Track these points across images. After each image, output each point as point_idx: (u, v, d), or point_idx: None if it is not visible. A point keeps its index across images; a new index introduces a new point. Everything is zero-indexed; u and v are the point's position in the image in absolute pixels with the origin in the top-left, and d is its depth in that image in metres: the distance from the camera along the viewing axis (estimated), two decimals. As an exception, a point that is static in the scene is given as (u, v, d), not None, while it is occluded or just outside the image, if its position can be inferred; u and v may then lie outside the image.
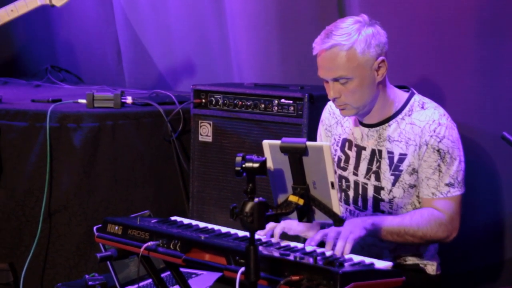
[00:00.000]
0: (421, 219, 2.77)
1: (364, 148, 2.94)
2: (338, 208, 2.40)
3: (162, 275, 3.09)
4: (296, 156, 2.40)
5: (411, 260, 2.93)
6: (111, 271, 3.46)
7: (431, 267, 2.96)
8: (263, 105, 3.74)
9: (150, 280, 3.44)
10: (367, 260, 2.47)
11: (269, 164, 2.44)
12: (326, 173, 2.38)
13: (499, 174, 3.37)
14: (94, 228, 3.02)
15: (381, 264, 2.45)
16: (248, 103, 3.78)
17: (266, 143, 2.46)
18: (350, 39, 2.74)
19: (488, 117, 3.35)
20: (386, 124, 2.89)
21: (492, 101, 3.34)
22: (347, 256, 2.50)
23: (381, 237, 2.75)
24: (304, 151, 2.38)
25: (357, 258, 2.49)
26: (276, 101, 3.69)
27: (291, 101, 3.63)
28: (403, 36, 3.54)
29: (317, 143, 2.66)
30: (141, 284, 3.48)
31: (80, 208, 3.88)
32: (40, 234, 3.86)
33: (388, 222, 2.74)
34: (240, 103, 3.81)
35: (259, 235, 2.74)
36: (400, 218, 2.78)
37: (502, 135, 2.67)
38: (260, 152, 2.44)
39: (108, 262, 3.38)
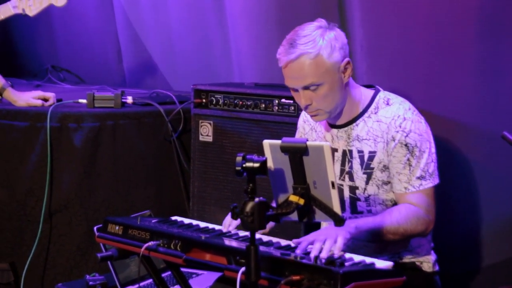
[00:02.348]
0: (400, 216, 2.77)
1: (336, 150, 2.95)
2: (338, 207, 2.40)
3: (163, 275, 3.09)
4: (297, 155, 2.40)
5: (407, 258, 2.94)
6: (112, 271, 3.46)
7: (427, 265, 2.96)
8: (263, 105, 3.74)
9: (150, 280, 3.44)
10: (368, 259, 2.47)
11: (270, 164, 2.44)
12: (326, 173, 2.38)
13: (499, 173, 3.37)
14: (95, 228, 3.03)
15: (382, 264, 2.45)
16: (249, 103, 3.79)
17: (266, 143, 2.47)
18: (316, 46, 2.75)
19: (489, 116, 3.35)
20: (354, 124, 2.91)
21: (493, 100, 3.34)
22: (347, 256, 2.50)
23: (365, 239, 2.76)
24: (304, 150, 2.38)
25: (357, 258, 2.49)
26: (277, 101, 3.70)
27: (292, 101, 3.63)
28: (404, 35, 3.55)
29: (318, 142, 2.65)
30: (141, 284, 3.48)
31: (80, 208, 3.88)
32: (41, 234, 3.86)
33: (370, 224, 2.74)
34: (240, 103, 3.81)
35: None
36: (380, 218, 2.78)
37: (502, 135, 2.67)
38: (261, 152, 2.45)
39: (108, 262, 3.38)
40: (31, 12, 4.02)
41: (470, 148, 3.41)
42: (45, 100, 4.04)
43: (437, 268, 3.00)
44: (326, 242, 2.52)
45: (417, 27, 3.52)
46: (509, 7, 3.25)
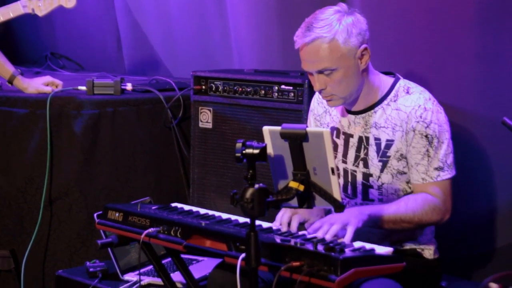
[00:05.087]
0: (415, 205, 2.77)
1: (352, 136, 2.94)
2: (338, 194, 2.40)
3: (163, 261, 3.10)
4: (297, 142, 2.40)
5: (408, 245, 2.94)
6: (112, 257, 3.47)
7: (428, 251, 2.96)
8: (263, 91, 3.73)
9: (151, 267, 3.45)
10: (368, 245, 2.48)
11: (269, 150, 2.44)
12: (326, 159, 2.38)
13: (500, 159, 3.37)
14: (95, 214, 3.03)
15: (382, 249, 2.46)
16: (248, 89, 3.78)
17: (266, 129, 2.47)
18: (331, 31, 2.73)
19: (488, 102, 3.35)
20: (372, 111, 2.89)
21: (493, 87, 3.34)
22: (347, 242, 2.51)
23: (378, 227, 2.75)
24: (304, 137, 2.38)
25: (357, 244, 2.49)
26: (276, 87, 3.69)
27: (291, 87, 3.63)
28: (403, 22, 3.54)
29: (317, 129, 2.66)
30: (142, 270, 3.49)
31: (81, 195, 3.88)
32: (41, 221, 3.86)
33: (385, 211, 2.73)
34: (240, 89, 3.81)
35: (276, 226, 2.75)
36: (396, 206, 2.77)
37: (502, 120, 2.66)
38: (261, 138, 2.45)
39: (109, 249, 3.39)
40: (41, 12, 4.03)
41: (469, 133, 3.41)
42: (55, 85, 4.04)
43: (437, 254, 3.00)
44: (333, 226, 2.53)
45: (416, 14, 3.51)
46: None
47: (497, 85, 3.32)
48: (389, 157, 2.86)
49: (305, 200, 2.44)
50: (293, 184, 2.41)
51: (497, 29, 3.29)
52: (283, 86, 3.67)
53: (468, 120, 3.42)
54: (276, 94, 3.69)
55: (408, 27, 3.54)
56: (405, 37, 3.55)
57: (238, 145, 2.30)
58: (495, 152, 3.36)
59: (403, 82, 2.91)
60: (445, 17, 3.42)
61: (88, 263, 3.56)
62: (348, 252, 2.34)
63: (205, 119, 3.93)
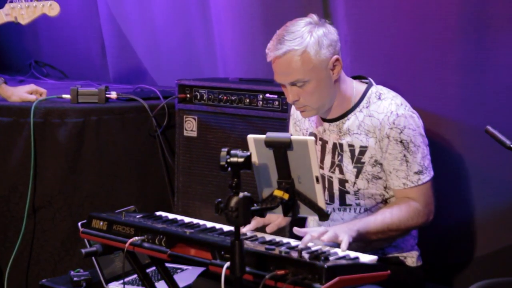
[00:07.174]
0: (400, 213, 2.80)
1: (327, 142, 2.96)
2: (323, 202, 2.41)
3: (148, 270, 3.09)
4: (281, 150, 2.40)
5: (390, 253, 2.95)
6: (96, 266, 3.46)
7: (411, 259, 2.98)
8: (248, 100, 3.74)
9: (135, 276, 3.44)
10: (352, 254, 2.48)
11: (254, 159, 2.44)
12: (311, 168, 2.39)
13: (484, 167, 3.38)
14: (79, 223, 3.02)
15: (366, 258, 2.46)
16: (233, 98, 3.78)
17: (251, 137, 2.47)
18: (303, 43, 2.75)
19: (472, 111, 3.36)
20: (345, 118, 2.91)
21: (476, 95, 3.35)
22: (332, 250, 2.51)
23: (367, 240, 2.77)
24: (289, 145, 2.39)
25: (342, 252, 2.49)
26: (261, 96, 3.69)
27: (276, 96, 3.64)
28: (387, 30, 3.55)
29: (302, 137, 2.66)
30: (126, 279, 3.48)
31: (65, 203, 3.87)
32: (25, 230, 3.84)
33: (371, 224, 2.75)
34: (225, 97, 3.81)
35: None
36: (381, 216, 2.79)
37: (486, 129, 2.68)
38: (245, 146, 2.45)
39: (93, 258, 3.38)
40: (24, 20, 4.01)
41: (453, 141, 3.43)
42: (39, 94, 4.02)
43: (420, 262, 3.01)
44: (325, 234, 2.53)
45: (401, 21, 3.52)
46: (492, 1, 3.26)
47: (480, 94, 3.34)
48: (363, 163, 2.88)
49: (290, 208, 2.44)
50: (278, 193, 2.41)
51: (479, 39, 3.30)
52: (267, 95, 3.67)
53: (451, 128, 3.43)
54: (261, 102, 3.69)
55: (392, 36, 3.55)
56: (388, 46, 3.56)
57: (223, 153, 2.30)
58: (478, 161, 3.38)
59: (375, 89, 2.94)
60: (429, 25, 3.43)
61: (72, 272, 3.55)
62: (332, 260, 2.34)
63: (190, 127, 3.93)
